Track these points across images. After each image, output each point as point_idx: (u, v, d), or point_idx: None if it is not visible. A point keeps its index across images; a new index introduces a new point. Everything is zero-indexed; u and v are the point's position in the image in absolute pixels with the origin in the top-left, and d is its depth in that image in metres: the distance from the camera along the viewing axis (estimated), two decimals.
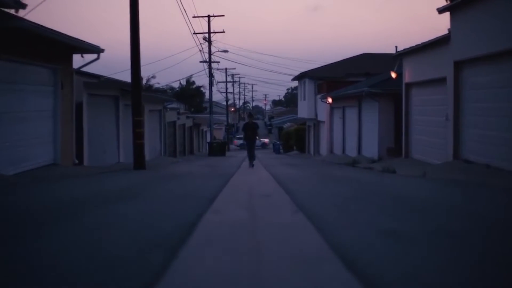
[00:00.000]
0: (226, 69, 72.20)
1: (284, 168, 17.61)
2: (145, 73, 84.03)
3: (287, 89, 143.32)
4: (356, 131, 24.35)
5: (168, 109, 30.18)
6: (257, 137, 17.77)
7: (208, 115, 46.79)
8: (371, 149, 21.40)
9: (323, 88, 35.94)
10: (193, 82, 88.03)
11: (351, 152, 26.02)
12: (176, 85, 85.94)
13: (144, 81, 71.77)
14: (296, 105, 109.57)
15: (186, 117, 40.43)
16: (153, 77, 73.22)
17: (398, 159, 18.12)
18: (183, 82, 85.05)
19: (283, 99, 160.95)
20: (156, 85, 75.87)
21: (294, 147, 52.71)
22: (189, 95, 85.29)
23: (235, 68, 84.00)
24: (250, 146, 17.48)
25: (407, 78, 17.83)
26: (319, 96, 35.06)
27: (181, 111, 46.93)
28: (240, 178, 12.40)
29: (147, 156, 25.06)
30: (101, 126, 19.71)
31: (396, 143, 19.51)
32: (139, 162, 15.59)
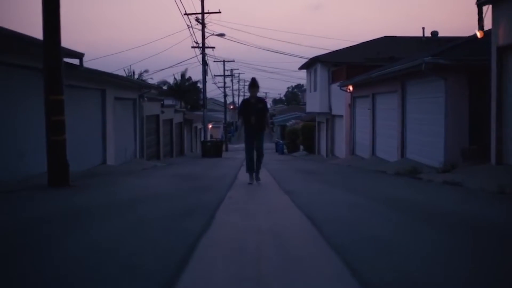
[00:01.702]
0: (224, 61, 65.63)
1: (308, 182, 11.01)
2: (137, 69, 77.65)
3: (288, 88, 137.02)
4: (398, 126, 17.73)
5: (146, 99, 23.51)
6: (266, 127, 9.94)
7: (207, 112, 40.09)
8: (429, 150, 14.76)
9: (339, 75, 29.34)
10: (190, 78, 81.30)
11: (387, 154, 19.39)
12: (171, 80, 79.26)
13: (136, 76, 65.16)
14: (299, 102, 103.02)
15: (175, 111, 33.76)
16: (146, 71, 66.38)
17: (483, 166, 11.53)
18: (178, 77, 78.38)
19: (283, 97, 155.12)
20: (150, 81, 69.52)
21: (301, 147, 46.16)
22: (184, 90, 78.73)
23: (233, 60, 77.10)
24: (251, 143, 9.85)
25: (502, 38, 11.24)
26: (336, 84, 28.42)
27: (177, 108, 40.42)
28: (232, 221, 5.69)
29: (113, 160, 18.46)
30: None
31: (475, 142, 12.90)
32: (58, 173, 8.87)
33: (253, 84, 9.96)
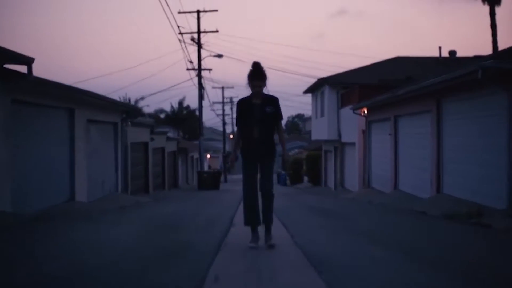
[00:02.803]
0: (223, 87, 62.61)
1: (338, 235, 7.64)
2: (132, 95, 74.88)
3: (288, 117, 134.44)
4: (432, 154, 14.45)
5: (130, 124, 20.29)
6: (283, 148, 6.68)
7: (204, 140, 36.86)
8: (481, 184, 11.44)
9: (350, 97, 26.24)
10: (188, 106, 78.37)
11: (416, 188, 16.09)
12: (168, 108, 76.42)
13: (132, 103, 62.18)
14: (301, 132, 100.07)
15: (167, 139, 30.53)
16: (142, 98, 63.55)
17: None
18: (175, 105, 75.50)
19: (284, 127, 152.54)
20: (146, 109, 66.59)
21: (305, 178, 42.83)
22: (182, 119, 75.80)
23: (233, 87, 74.32)
24: (253, 176, 6.45)
25: None
26: (347, 107, 25.27)
27: (170, 135, 37.33)
28: None
29: (85, 195, 15.20)
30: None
31: None
32: None
33: (257, 73, 6.33)
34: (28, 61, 10.08)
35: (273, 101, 6.48)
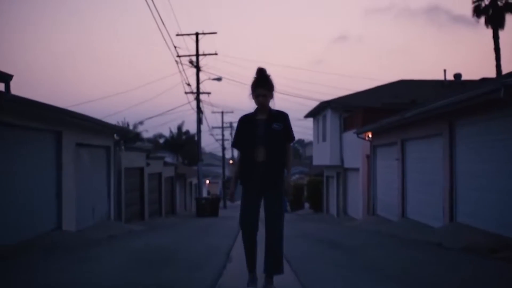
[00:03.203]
0: (222, 112, 61.83)
1: (361, 281, 6.66)
2: (130, 119, 74.12)
3: None
4: (444, 180, 13.48)
5: (123, 148, 19.36)
6: (287, 176, 5.42)
7: (203, 165, 35.87)
8: (503, 213, 10.44)
9: (353, 121, 25.38)
10: (187, 132, 77.50)
11: (426, 217, 15.10)
12: (167, 133, 75.59)
13: (131, 128, 61.39)
14: (301, 157, 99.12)
15: (164, 164, 29.56)
16: (141, 123, 62.82)
17: None
18: (174, 130, 74.62)
19: None
20: (145, 134, 65.76)
21: (306, 204, 41.77)
22: (181, 144, 74.87)
23: (232, 112, 73.61)
24: (254, 208, 5.32)
25: None
26: (351, 132, 24.39)
27: (168, 160, 36.47)
28: None
29: (73, 224, 14.23)
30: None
31: None
32: None
33: (262, 80, 5.36)
34: (5, 78, 9.21)
35: (281, 117, 5.41)
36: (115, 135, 18.54)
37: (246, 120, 5.49)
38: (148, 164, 24.36)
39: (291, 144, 5.55)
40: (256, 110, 5.45)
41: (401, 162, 17.41)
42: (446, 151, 13.30)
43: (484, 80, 23.51)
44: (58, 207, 13.55)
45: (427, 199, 15.23)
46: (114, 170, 18.69)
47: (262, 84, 5.33)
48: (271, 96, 5.41)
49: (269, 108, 5.45)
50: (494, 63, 33.91)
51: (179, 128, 74.40)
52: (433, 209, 14.55)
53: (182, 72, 39.09)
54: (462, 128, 12.80)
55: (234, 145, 5.54)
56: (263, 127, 5.34)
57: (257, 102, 5.38)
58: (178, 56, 31.31)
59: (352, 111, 26.15)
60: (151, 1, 37.69)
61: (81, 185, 15.50)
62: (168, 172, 31.22)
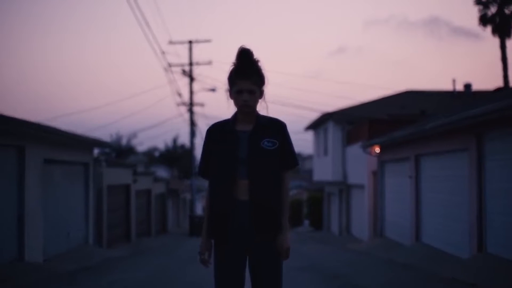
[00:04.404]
0: None
1: None
2: (124, 132, 72.20)
3: None
4: (471, 202, 11.56)
5: (104, 163, 17.42)
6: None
7: (198, 180, 33.91)
8: None
9: (358, 134, 23.50)
10: (183, 146, 75.58)
11: (445, 243, 13.17)
12: (162, 146, 73.73)
13: (124, 141, 59.32)
14: (300, 170, 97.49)
15: (154, 180, 27.61)
16: (134, 135, 60.80)
17: None
18: (170, 143, 72.74)
19: None
20: (139, 148, 63.80)
21: (305, 222, 39.78)
22: (176, 157, 72.98)
23: None
24: (235, 280, 3.33)
25: None
26: (356, 145, 22.51)
27: (157, 176, 34.71)
28: None
29: (39, 252, 12.29)
30: None
31: None
32: None
33: (245, 65, 3.36)
34: None
35: (276, 129, 3.46)
36: (94, 150, 16.62)
37: (219, 132, 3.47)
38: (135, 181, 22.40)
39: (293, 169, 3.57)
40: (236, 117, 3.49)
41: (414, 180, 15.50)
42: (474, 169, 11.38)
43: (498, 91, 21.75)
44: (19, 234, 11.59)
45: (447, 223, 13.30)
46: (94, 189, 16.74)
47: (246, 73, 3.36)
48: (260, 94, 3.45)
49: (257, 114, 3.50)
50: (501, 73, 32.26)
51: (174, 140, 72.57)
52: (455, 235, 12.62)
53: (174, 83, 37.33)
54: (492, 143, 10.91)
55: (201, 172, 3.58)
56: (246, 144, 3.39)
57: (237, 103, 3.41)
58: (170, 66, 29.49)
59: (356, 123, 24.30)
60: (140, 15, 36.06)
61: (52, 207, 13.59)
62: (159, 188, 29.24)
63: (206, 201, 3.48)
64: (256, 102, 3.43)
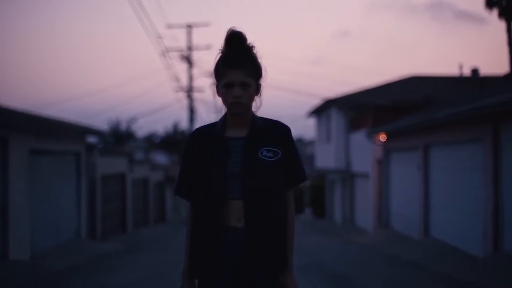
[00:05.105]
0: (218, 112, 59.02)
1: None
2: (123, 116, 71.46)
3: None
4: (487, 197, 10.78)
5: (98, 152, 16.64)
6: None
7: None
8: None
9: (362, 121, 22.71)
10: (184, 132, 74.72)
11: (457, 238, 12.41)
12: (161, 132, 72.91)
13: (123, 127, 58.49)
14: (302, 156, 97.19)
15: (152, 168, 26.86)
16: (134, 119, 59.82)
17: None
18: (169, 128, 71.87)
19: None
20: (139, 133, 63.00)
21: (306, 210, 39.09)
22: (176, 143, 72.21)
23: None
24: None
25: None
26: (359, 133, 21.73)
27: (155, 163, 34.00)
28: None
29: (26, 249, 11.54)
30: None
31: None
32: None
33: (236, 51, 2.55)
34: None
35: (278, 135, 2.69)
36: (91, 138, 15.83)
37: (204, 140, 2.68)
38: (132, 171, 21.64)
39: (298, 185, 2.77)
40: (225, 119, 2.70)
41: (423, 170, 14.71)
42: (489, 161, 10.58)
43: (508, 76, 20.89)
44: (3, 231, 10.84)
45: (458, 217, 12.53)
46: (86, 179, 15.98)
47: (238, 62, 2.58)
48: (256, 89, 2.66)
49: (253, 116, 2.70)
50: (507, 57, 31.33)
51: (175, 126, 71.76)
52: (467, 230, 11.87)
53: (172, 68, 36.42)
54: (510, 133, 10.11)
55: (179, 191, 2.75)
56: (240, 155, 2.61)
57: (226, 100, 2.62)
58: (167, 50, 28.55)
59: (360, 110, 23.47)
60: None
61: (41, 200, 12.83)
62: (157, 176, 28.51)
63: (187, 229, 2.69)
64: (251, 100, 2.63)
